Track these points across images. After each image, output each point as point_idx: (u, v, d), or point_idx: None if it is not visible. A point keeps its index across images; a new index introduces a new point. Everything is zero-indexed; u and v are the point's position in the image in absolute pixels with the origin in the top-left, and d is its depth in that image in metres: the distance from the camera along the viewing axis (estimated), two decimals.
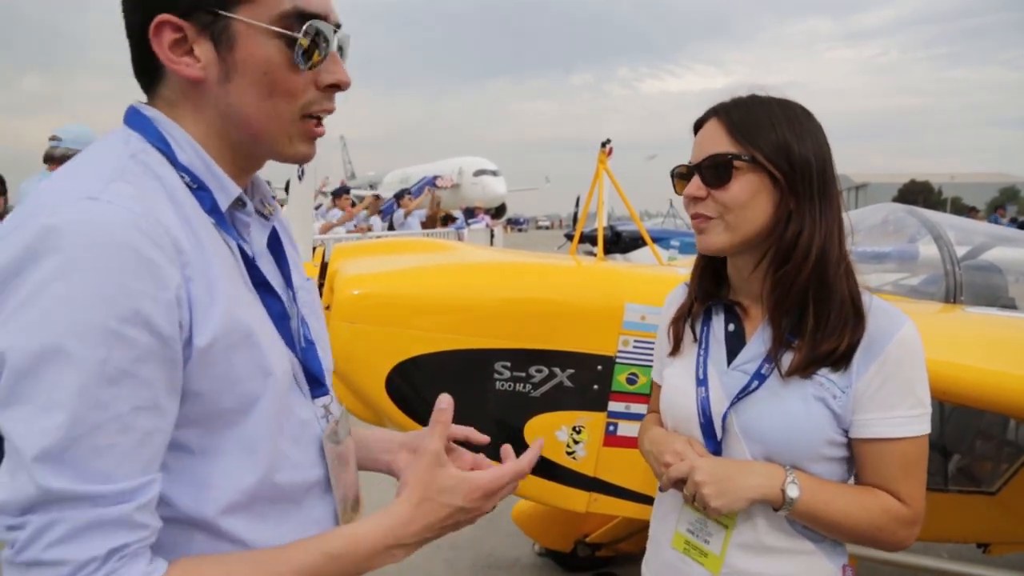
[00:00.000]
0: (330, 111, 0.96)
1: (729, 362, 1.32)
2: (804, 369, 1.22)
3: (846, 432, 1.24)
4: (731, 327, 1.35)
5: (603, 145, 3.09)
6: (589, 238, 13.35)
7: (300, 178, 2.36)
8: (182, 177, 0.88)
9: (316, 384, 1.02)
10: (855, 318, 1.23)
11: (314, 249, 2.44)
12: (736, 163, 1.23)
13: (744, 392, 1.26)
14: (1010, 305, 2.93)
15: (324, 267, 2.39)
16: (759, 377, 1.26)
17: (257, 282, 0.94)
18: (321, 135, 0.97)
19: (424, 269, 2.50)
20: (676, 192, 1.35)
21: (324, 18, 0.91)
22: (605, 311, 2.21)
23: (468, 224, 14.47)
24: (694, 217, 1.30)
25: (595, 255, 3.03)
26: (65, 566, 0.73)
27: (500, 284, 2.39)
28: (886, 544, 1.25)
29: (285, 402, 0.93)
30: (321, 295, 2.30)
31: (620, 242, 15.12)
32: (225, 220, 0.91)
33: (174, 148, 0.89)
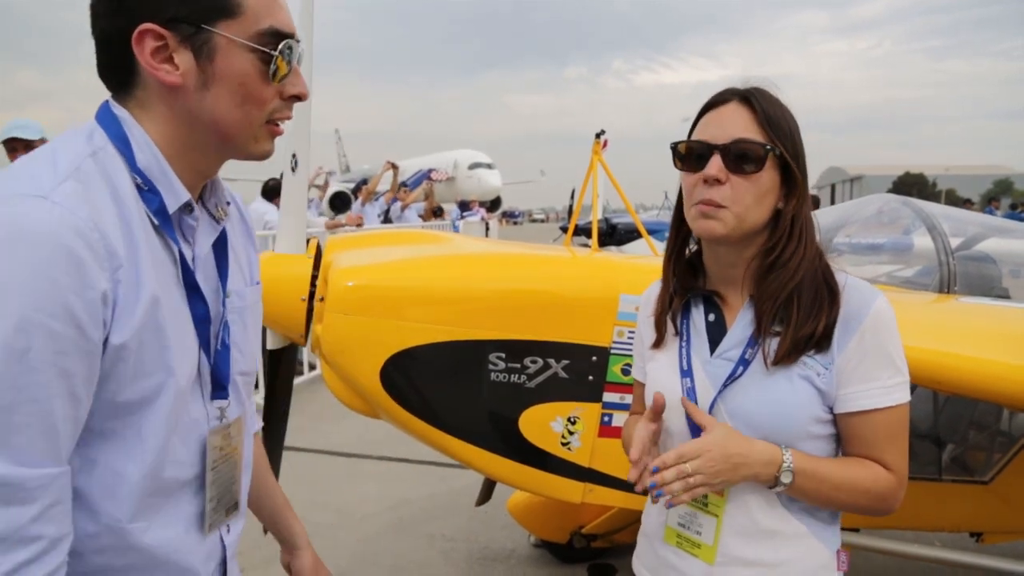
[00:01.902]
0: (289, 118, 1.07)
1: (712, 351, 1.32)
2: (788, 356, 1.23)
3: (831, 409, 1.26)
4: (711, 317, 1.35)
5: (597, 136, 3.07)
6: (584, 231, 13.35)
7: (293, 170, 2.34)
8: (134, 178, 0.95)
9: (218, 387, 1.08)
10: (830, 298, 1.24)
11: (308, 241, 2.43)
12: (770, 154, 1.23)
13: (730, 379, 1.27)
14: (1004, 295, 2.94)
15: (318, 259, 2.38)
16: (743, 363, 1.27)
17: (188, 284, 1.01)
18: (281, 134, 1.07)
19: (418, 260, 2.49)
20: (678, 167, 1.30)
21: (291, 35, 1.01)
22: (600, 302, 2.21)
23: (463, 217, 14.44)
24: (704, 203, 1.24)
25: (590, 247, 3.02)
26: None
27: (495, 275, 2.38)
28: (876, 510, 1.28)
29: (182, 400, 0.99)
30: (315, 287, 2.29)
31: (615, 234, 15.09)
32: (170, 222, 0.98)
33: (134, 150, 0.96)
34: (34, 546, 0.82)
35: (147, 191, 0.96)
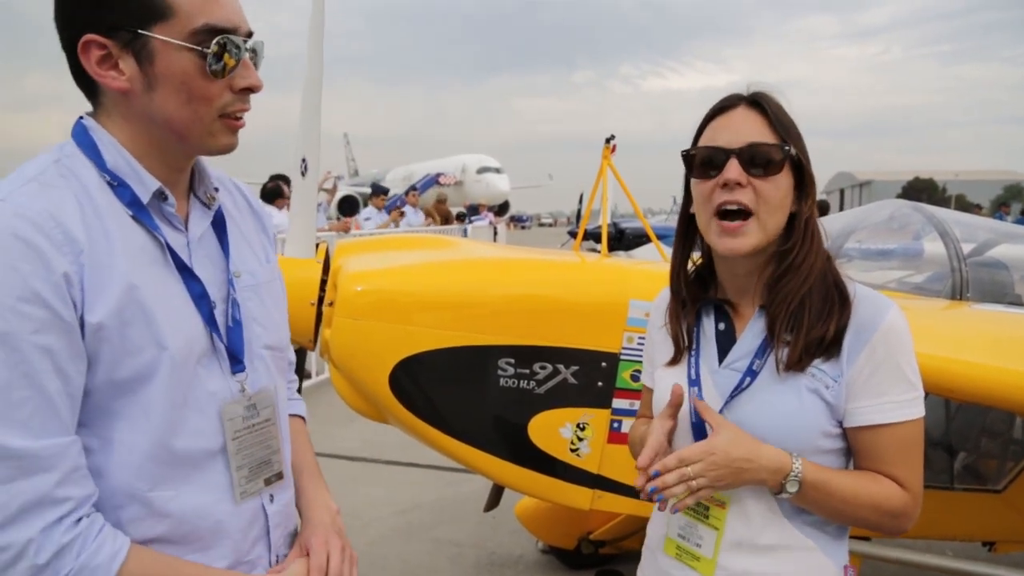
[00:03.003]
0: (246, 110, 1.10)
1: (720, 361, 1.30)
2: (799, 362, 1.21)
3: (840, 423, 1.23)
4: (721, 326, 1.33)
5: (607, 141, 3.07)
6: (593, 235, 13.35)
7: (303, 174, 2.35)
8: (103, 176, 1.03)
9: (235, 361, 1.13)
10: (840, 301, 1.23)
11: (317, 246, 2.43)
12: (787, 156, 1.22)
13: (737, 389, 1.25)
14: (1016, 302, 2.91)
15: (327, 263, 2.38)
16: (751, 374, 1.25)
17: (179, 266, 1.07)
18: (241, 127, 1.10)
19: (427, 265, 2.49)
20: (695, 176, 1.28)
21: (234, 31, 1.03)
22: (609, 308, 2.20)
23: (471, 221, 14.46)
24: (727, 207, 1.21)
25: (599, 252, 3.02)
26: (8, 550, 0.89)
27: (504, 280, 2.38)
28: (887, 527, 1.24)
29: (188, 373, 1.05)
30: (324, 291, 2.30)
31: (624, 239, 15.09)
32: (146, 211, 1.05)
33: (101, 152, 1.04)
34: (64, 505, 0.92)
35: (118, 186, 1.03)
